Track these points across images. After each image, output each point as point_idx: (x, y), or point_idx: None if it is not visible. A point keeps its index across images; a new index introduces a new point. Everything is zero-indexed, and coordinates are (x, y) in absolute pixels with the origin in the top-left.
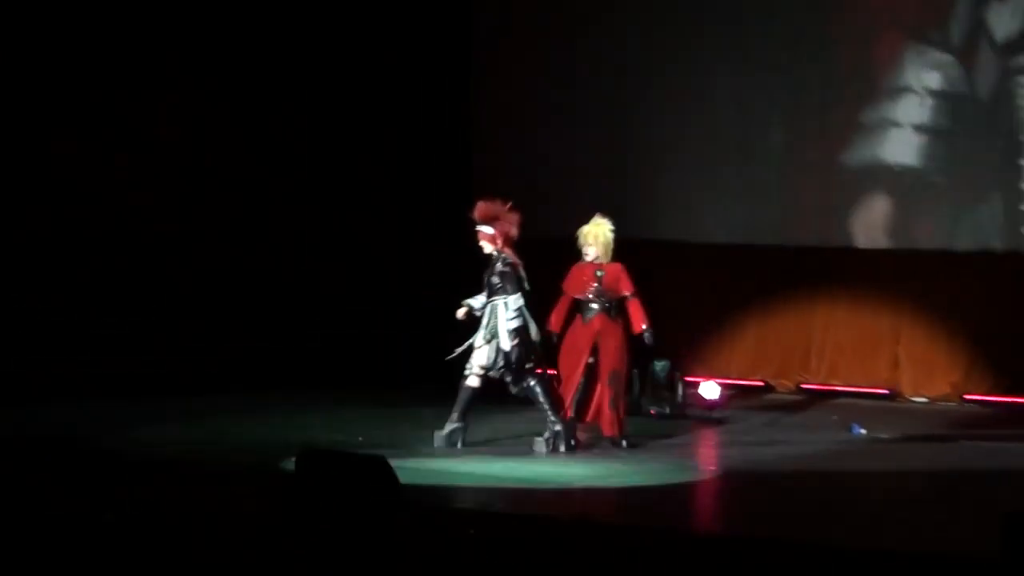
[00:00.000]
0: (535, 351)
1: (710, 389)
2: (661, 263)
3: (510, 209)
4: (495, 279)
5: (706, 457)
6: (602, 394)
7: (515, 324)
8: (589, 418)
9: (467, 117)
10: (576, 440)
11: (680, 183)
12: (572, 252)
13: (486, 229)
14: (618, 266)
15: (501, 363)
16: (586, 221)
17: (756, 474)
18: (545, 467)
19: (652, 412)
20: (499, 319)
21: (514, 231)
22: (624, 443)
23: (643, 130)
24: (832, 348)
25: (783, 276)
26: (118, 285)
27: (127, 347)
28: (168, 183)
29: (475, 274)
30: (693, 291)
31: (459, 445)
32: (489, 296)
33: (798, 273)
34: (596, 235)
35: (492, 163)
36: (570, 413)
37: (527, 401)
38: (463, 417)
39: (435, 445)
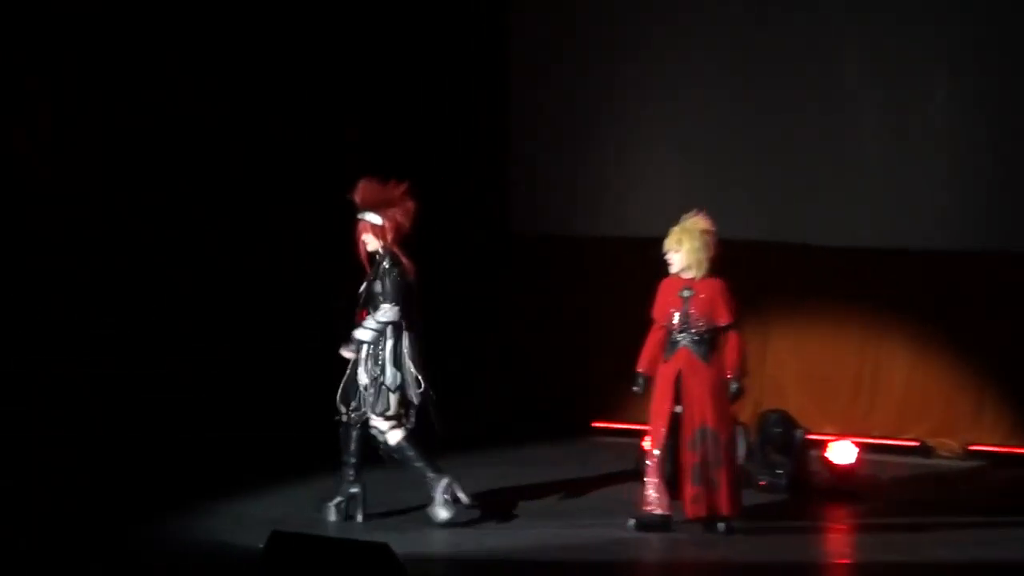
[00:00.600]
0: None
1: (843, 451)
2: (769, 272)
3: (404, 194)
4: (377, 286)
5: (835, 549)
6: (683, 460)
7: (363, 337)
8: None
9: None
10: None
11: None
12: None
13: (373, 219)
14: (716, 283)
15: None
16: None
17: None
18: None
19: (761, 483)
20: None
21: (407, 223)
22: (721, 527)
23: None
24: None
25: (946, 291)
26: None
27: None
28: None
29: None
30: (815, 315)
31: (359, 518)
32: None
33: (966, 286)
34: (681, 238)
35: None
36: (656, 482)
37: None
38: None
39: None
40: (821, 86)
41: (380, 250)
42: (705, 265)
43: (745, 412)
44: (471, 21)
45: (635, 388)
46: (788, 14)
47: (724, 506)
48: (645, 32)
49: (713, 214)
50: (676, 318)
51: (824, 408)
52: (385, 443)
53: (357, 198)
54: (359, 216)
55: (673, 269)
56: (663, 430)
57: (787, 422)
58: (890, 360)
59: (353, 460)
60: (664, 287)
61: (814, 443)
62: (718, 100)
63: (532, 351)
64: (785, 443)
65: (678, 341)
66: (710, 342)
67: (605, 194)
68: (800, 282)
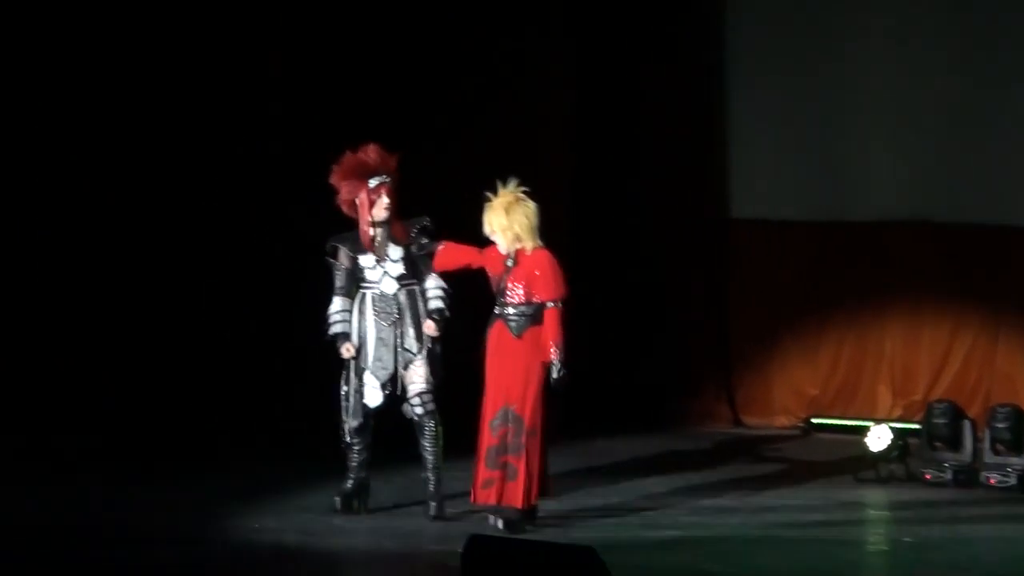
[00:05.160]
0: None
1: None
2: (1001, 260)
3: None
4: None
5: None
6: (480, 441)
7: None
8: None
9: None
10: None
11: None
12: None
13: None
14: (543, 255)
15: None
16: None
17: None
18: None
19: (927, 476)
20: None
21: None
22: (497, 521)
23: None
24: None
25: None
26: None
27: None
28: None
29: None
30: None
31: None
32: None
33: None
34: (508, 210)
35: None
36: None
37: None
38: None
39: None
40: None
41: (389, 216)
42: (529, 235)
43: (975, 407)
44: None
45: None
46: None
47: (518, 497)
48: (866, 14)
49: (938, 199)
50: (495, 287)
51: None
52: (425, 412)
53: (382, 160)
54: (382, 179)
55: (502, 250)
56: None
57: (954, 413)
58: None
59: (368, 446)
60: (495, 253)
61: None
62: (944, 82)
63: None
64: (953, 436)
65: (496, 314)
66: (529, 317)
67: (823, 178)
68: None
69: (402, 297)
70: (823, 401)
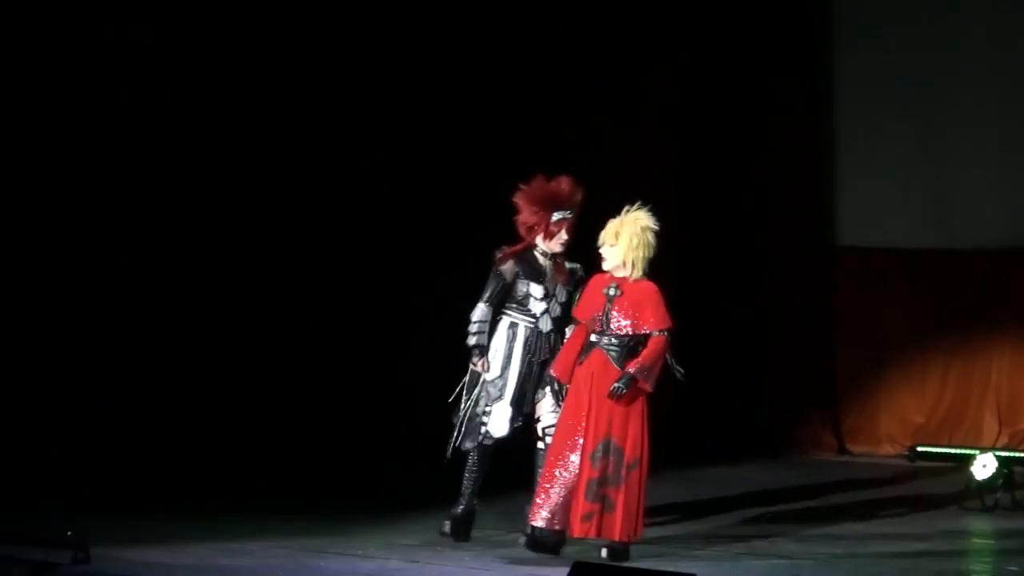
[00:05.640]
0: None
1: None
2: None
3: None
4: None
5: None
6: (580, 473)
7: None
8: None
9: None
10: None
11: None
12: None
13: (569, 217)
14: (649, 287)
15: None
16: None
17: None
18: None
19: None
20: None
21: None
22: (604, 552)
23: None
24: None
25: None
26: None
27: None
28: None
29: None
30: None
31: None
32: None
33: None
34: (619, 232)
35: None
36: (541, 503)
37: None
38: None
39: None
40: None
41: (560, 252)
42: (641, 265)
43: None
44: (795, 25)
45: (550, 390)
46: None
47: (616, 530)
48: (970, 42)
49: None
50: (596, 317)
51: None
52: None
53: (572, 194)
54: (565, 214)
55: (607, 265)
56: (567, 440)
57: None
58: None
59: (484, 473)
60: (593, 283)
61: None
62: None
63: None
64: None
65: (594, 343)
66: (630, 348)
67: (929, 205)
68: None
69: (553, 338)
70: (929, 429)
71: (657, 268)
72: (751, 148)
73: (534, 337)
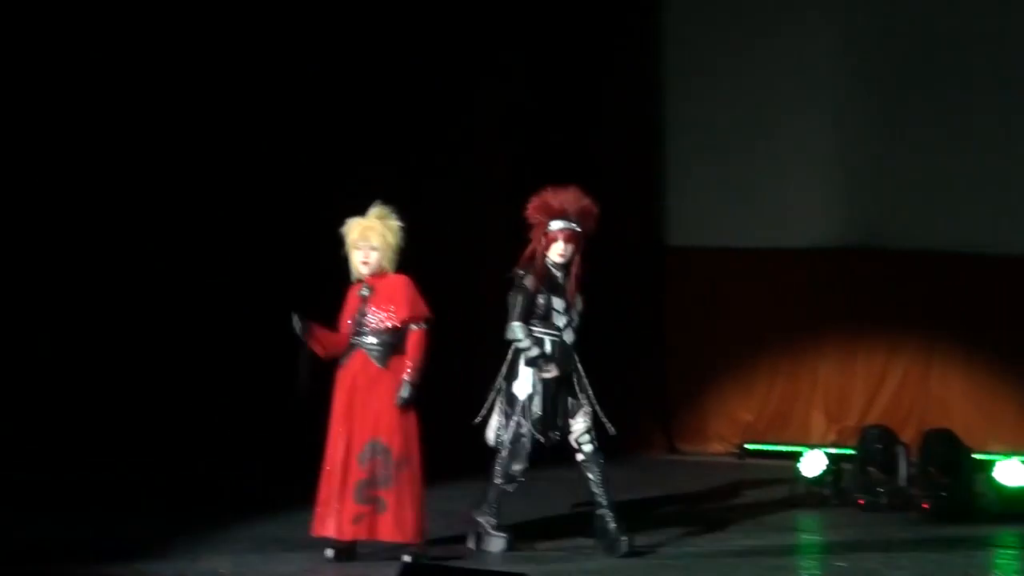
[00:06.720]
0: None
1: (1011, 471)
2: (935, 284)
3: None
4: (579, 304)
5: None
6: (349, 475)
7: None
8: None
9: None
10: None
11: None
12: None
13: (575, 227)
14: (400, 279)
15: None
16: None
17: None
18: None
19: (860, 501)
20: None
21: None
22: (405, 557)
23: None
24: None
25: None
26: None
27: None
28: None
29: None
30: (983, 329)
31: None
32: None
33: None
34: (384, 234)
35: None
36: (321, 513)
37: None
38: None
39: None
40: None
41: (566, 262)
42: (395, 261)
43: (909, 431)
44: (620, 27)
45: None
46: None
47: (390, 531)
48: (801, 39)
49: (875, 224)
50: (354, 319)
51: (992, 426)
52: (594, 450)
53: (571, 207)
54: (567, 224)
55: (368, 271)
56: (335, 445)
57: (888, 438)
58: None
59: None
60: (350, 294)
61: (981, 463)
62: (876, 111)
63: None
64: (887, 460)
65: (355, 344)
66: (391, 346)
67: (757, 206)
68: (968, 294)
69: (574, 352)
70: (758, 427)
71: (496, 273)
72: (582, 150)
73: (560, 350)
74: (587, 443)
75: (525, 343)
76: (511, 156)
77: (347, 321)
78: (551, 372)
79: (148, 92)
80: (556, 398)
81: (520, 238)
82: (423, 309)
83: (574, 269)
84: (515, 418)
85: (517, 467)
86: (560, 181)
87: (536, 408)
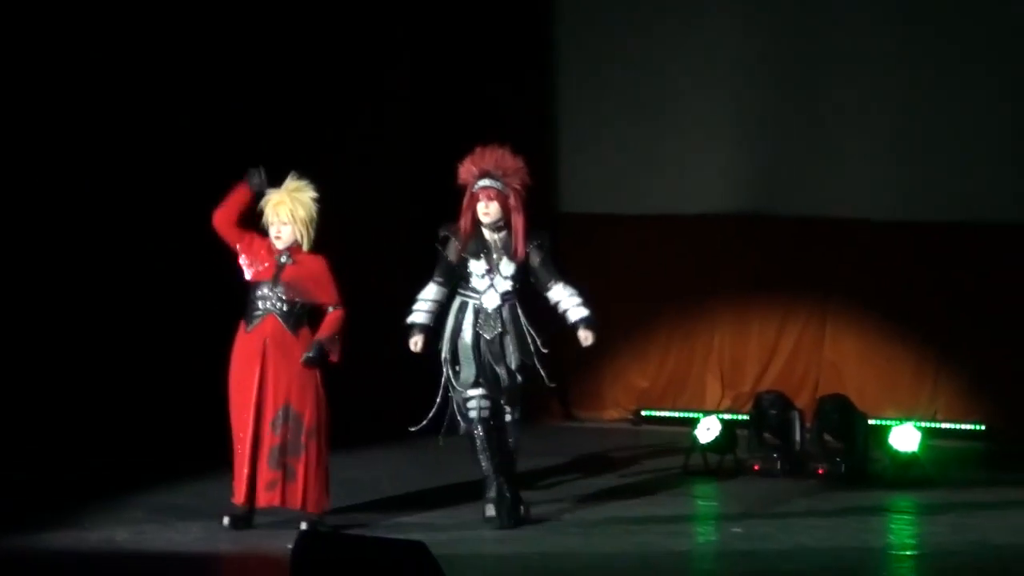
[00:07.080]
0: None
1: (905, 436)
2: (827, 248)
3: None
4: (535, 260)
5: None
6: (262, 441)
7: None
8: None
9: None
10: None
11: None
12: None
13: (498, 185)
14: (320, 260)
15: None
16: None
17: None
18: None
19: (755, 467)
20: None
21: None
22: (303, 526)
23: None
24: None
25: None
26: None
27: None
28: None
29: None
30: (876, 294)
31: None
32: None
33: None
34: (296, 209)
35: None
36: (242, 482)
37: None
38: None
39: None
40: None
41: (501, 221)
42: (310, 237)
43: (804, 397)
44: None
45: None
46: None
47: (298, 500)
48: (702, 7)
49: (768, 191)
50: (267, 281)
51: (887, 391)
52: (513, 422)
53: (494, 165)
54: (491, 183)
55: (281, 244)
56: (244, 411)
57: (782, 403)
58: (957, 341)
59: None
60: (261, 242)
61: (875, 428)
62: (763, 78)
63: None
64: (782, 426)
65: (268, 309)
66: (300, 317)
67: (649, 173)
68: (861, 260)
69: (505, 312)
70: (653, 394)
71: (395, 251)
72: (476, 118)
73: (481, 314)
74: (508, 412)
75: (413, 305)
76: (402, 128)
77: (257, 277)
78: (416, 346)
79: (145, 92)
80: (485, 360)
81: (422, 217)
82: (338, 294)
83: (516, 227)
84: (452, 394)
85: (461, 429)
86: (454, 150)
87: (464, 373)
